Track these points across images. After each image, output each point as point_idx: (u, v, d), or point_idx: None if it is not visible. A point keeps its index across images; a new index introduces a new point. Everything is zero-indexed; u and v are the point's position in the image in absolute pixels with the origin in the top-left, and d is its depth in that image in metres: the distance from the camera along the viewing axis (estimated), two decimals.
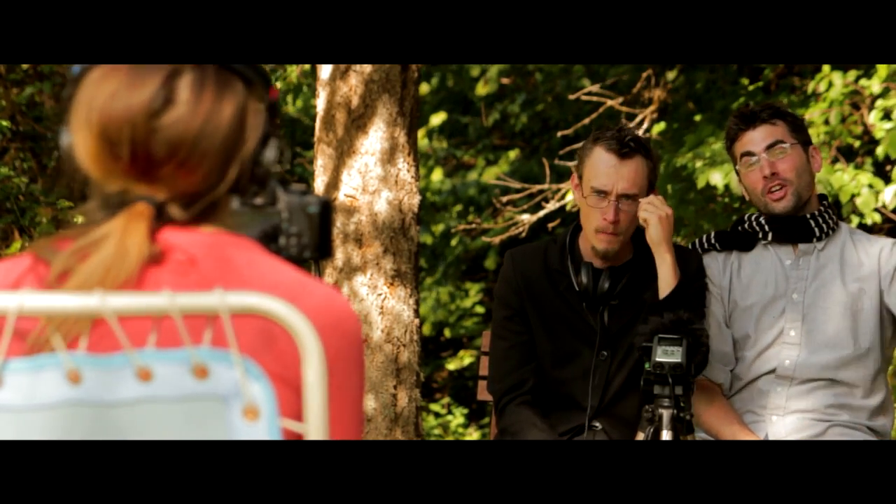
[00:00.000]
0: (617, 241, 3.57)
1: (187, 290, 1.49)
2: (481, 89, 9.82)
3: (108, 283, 1.50)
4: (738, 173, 3.72)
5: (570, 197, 7.40)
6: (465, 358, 10.43)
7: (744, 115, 3.68)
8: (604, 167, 3.54)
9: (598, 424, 3.64)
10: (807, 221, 3.64)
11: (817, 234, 3.65)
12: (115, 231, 1.52)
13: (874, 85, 6.59)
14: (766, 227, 3.67)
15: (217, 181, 1.56)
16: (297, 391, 1.50)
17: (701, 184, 6.48)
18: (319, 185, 5.57)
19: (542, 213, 7.63)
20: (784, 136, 3.62)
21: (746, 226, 3.71)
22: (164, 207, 1.54)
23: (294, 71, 8.81)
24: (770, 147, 3.61)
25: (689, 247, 3.79)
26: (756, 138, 3.62)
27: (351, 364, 1.54)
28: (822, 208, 3.67)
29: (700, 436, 3.63)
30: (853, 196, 6.43)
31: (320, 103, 5.63)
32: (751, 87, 7.84)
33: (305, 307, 1.50)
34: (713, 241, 3.74)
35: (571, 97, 8.18)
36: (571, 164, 7.54)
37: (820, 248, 3.66)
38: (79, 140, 1.55)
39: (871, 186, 6.42)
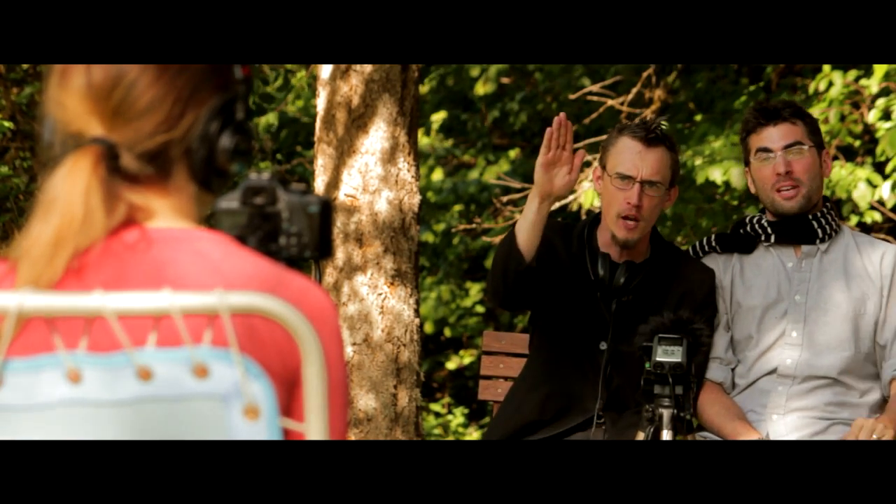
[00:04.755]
0: (638, 229, 3.57)
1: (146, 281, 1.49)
2: (481, 89, 9.82)
3: (64, 225, 1.50)
4: (747, 164, 3.70)
5: (570, 196, 7.40)
6: (466, 357, 10.43)
7: (765, 110, 3.66)
8: (629, 153, 3.58)
9: (600, 420, 3.64)
10: (809, 222, 3.64)
11: (820, 235, 3.64)
12: (63, 171, 1.53)
13: (874, 84, 6.59)
14: (769, 230, 3.66)
15: (169, 129, 1.57)
16: (280, 380, 1.50)
17: (700, 180, 6.48)
18: (320, 184, 5.57)
19: None
20: (802, 137, 3.62)
21: (749, 228, 3.71)
22: (116, 152, 1.55)
23: (303, 76, 8.80)
24: (788, 147, 3.60)
25: (690, 250, 3.79)
26: (775, 135, 3.61)
27: (333, 349, 1.54)
28: (825, 210, 3.67)
29: (700, 435, 3.63)
30: (850, 192, 6.42)
31: (320, 103, 5.63)
32: (751, 87, 7.84)
33: (285, 298, 1.51)
34: (714, 243, 3.74)
35: (572, 97, 8.18)
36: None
37: (823, 249, 3.66)
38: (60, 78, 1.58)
39: (868, 181, 6.42)
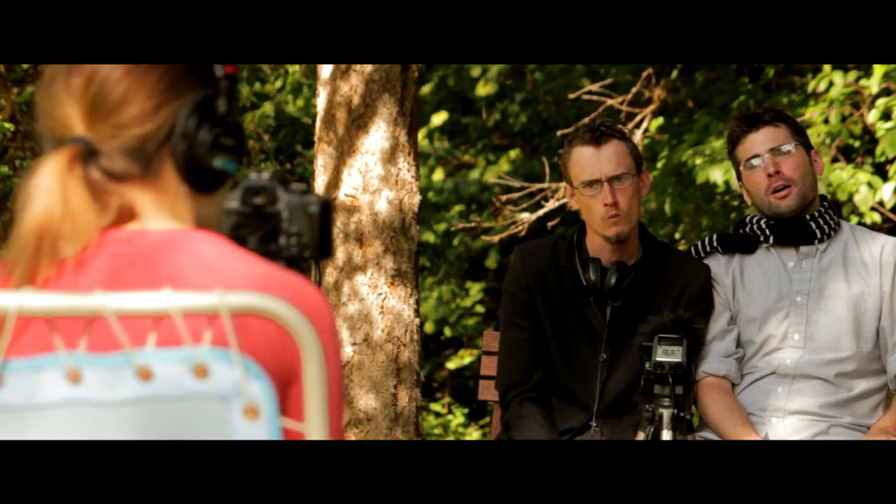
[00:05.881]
0: (624, 222, 3.58)
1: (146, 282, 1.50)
2: (481, 89, 9.82)
3: (44, 223, 1.51)
4: (739, 175, 3.72)
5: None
6: (466, 357, 10.43)
7: (746, 118, 3.68)
8: (585, 160, 3.60)
9: (595, 425, 3.64)
10: (807, 223, 3.64)
11: (818, 235, 3.65)
12: (39, 171, 1.54)
13: (874, 85, 6.59)
14: (767, 231, 3.66)
15: (144, 123, 1.57)
16: (273, 378, 1.50)
17: (701, 180, 6.48)
18: (320, 184, 5.57)
19: (541, 212, 7.63)
20: (787, 137, 3.63)
21: (748, 229, 3.71)
22: (94, 149, 1.55)
23: (297, 72, 8.81)
24: (774, 149, 3.62)
25: (692, 250, 3.80)
26: (759, 140, 3.63)
27: (331, 346, 1.54)
28: (822, 209, 3.67)
29: (700, 435, 3.63)
30: (851, 195, 6.43)
31: (321, 103, 5.63)
32: (750, 86, 7.84)
33: (281, 296, 1.50)
34: (715, 243, 3.74)
35: (571, 96, 8.18)
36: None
37: (822, 249, 3.66)
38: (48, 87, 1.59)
39: (869, 185, 6.42)
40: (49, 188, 1.52)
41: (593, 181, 3.57)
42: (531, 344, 3.67)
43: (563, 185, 7.54)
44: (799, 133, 3.68)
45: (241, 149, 1.63)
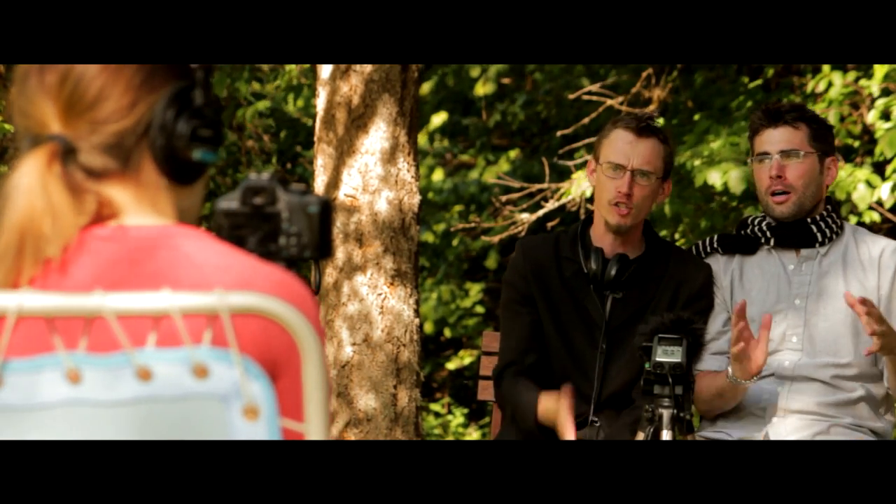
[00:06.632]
0: (629, 216, 3.60)
1: (139, 279, 1.50)
2: (481, 89, 9.82)
3: (25, 223, 1.51)
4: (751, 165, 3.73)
5: (569, 196, 7.41)
6: (466, 358, 10.43)
7: (769, 112, 3.66)
8: (621, 143, 3.62)
9: (596, 419, 3.64)
10: (808, 226, 3.64)
11: (820, 238, 3.64)
12: (18, 170, 1.54)
13: (874, 85, 6.59)
14: (769, 233, 3.66)
15: (121, 119, 1.56)
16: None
17: (699, 182, 6.49)
18: (319, 184, 5.57)
19: (541, 213, 7.63)
20: (801, 142, 3.61)
21: (749, 230, 3.71)
22: (73, 147, 1.55)
23: (293, 69, 8.81)
24: (784, 151, 3.60)
25: (693, 250, 3.80)
26: (774, 138, 3.61)
27: (322, 340, 1.54)
28: (824, 213, 3.67)
29: (700, 435, 3.63)
30: (849, 193, 6.42)
31: (320, 103, 5.63)
32: (751, 86, 7.84)
33: (263, 290, 1.50)
34: (716, 244, 3.74)
35: (571, 97, 8.18)
36: (571, 163, 7.56)
37: (823, 252, 3.65)
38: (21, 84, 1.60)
39: (868, 182, 6.42)
40: (29, 188, 1.52)
41: (619, 165, 3.59)
42: (528, 329, 3.69)
43: (562, 185, 7.58)
44: (819, 138, 3.64)
45: (220, 139, 1.63)
